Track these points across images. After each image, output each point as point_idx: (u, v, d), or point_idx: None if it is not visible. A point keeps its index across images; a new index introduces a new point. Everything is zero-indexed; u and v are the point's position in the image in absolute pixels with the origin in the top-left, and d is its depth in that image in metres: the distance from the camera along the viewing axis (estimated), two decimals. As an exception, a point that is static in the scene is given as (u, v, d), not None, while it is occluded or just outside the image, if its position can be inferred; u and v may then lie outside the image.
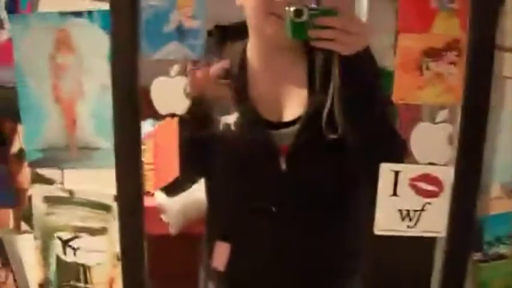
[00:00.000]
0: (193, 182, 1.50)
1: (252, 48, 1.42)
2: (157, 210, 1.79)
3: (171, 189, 1.38)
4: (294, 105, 1.40)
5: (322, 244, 1.42)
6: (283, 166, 1.37)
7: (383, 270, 1.95)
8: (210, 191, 1.52)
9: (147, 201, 1.35)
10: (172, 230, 2.13)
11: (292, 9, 1.18)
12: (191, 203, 1.97)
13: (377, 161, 1.08)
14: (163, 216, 2.11)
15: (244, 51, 1.43)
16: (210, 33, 1.44)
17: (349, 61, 1.21)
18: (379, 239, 1.09)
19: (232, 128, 1.36)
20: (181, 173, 1.10)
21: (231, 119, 1.37)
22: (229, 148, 1.39)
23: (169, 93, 0.99)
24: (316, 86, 1.37)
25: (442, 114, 1.00)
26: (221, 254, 1.46)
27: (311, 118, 1.35)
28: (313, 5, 1.22)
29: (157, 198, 2.03)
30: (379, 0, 2.34)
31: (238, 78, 1.40)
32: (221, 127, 1.37)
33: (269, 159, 1.38)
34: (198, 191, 1.53)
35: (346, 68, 1.23)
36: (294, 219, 1.39)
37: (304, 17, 1.18)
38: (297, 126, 1.37)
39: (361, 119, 1.26)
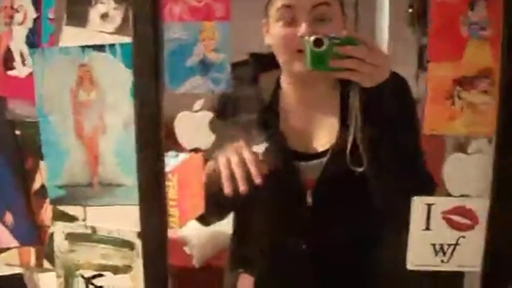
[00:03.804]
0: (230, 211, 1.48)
1: (285, 80, 1.40)
2: (180, 243, 1.76)
3: (207, 219, 1.37)
4: (324, 137, 1.37)
5: (350, 280, 1.38)
6: (309, 200, 1.34)
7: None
8: (236, 222, 1.49)
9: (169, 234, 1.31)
10: (196, 262, 2.09)
11: (311, 39, 1.15)
12: (214, 235, 1.94)
13: (402, 196, 1.04)
14: (186, 248, 2.07)
15: (278, 80, 1.41)
16: (246, 62, 1.43)
17: (371, 93, 1.18)
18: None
19: (260, 158, 1.33)
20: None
21: (259, 148, 1.35)
22: None
23: (193, 128, 0.97)
24: (347, 118, 1.33)
25: (475, 145, 0.97)
26: (245, 286, 1.43)
27: (339, 151, 1.31)
28: (334, 35, 1.17)
29: (183, 230, 1.99)
30: (400, 31, 2.31)
31: (270, 108, 1.39)
32: None
33: (295, 192, 1.35)
34: (221, 224, 1.50)
35: (369, 100, 1.20)
36: (320, 255, 1.35)
37: (324, 47, 1.14)
38: (325, 159, 1.34)
39: (385, 152, 1.22)
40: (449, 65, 0.95)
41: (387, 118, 1.20)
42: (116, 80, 0.99)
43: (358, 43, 1.15)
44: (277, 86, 1.41)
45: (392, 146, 1.21)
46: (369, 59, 1.15)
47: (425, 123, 0.96)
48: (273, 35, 1.33)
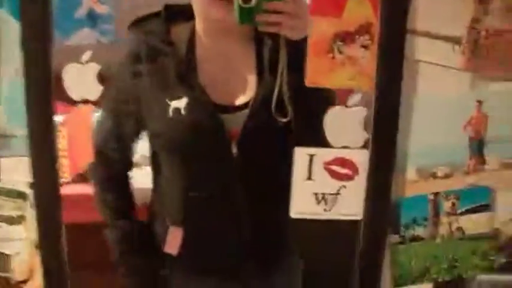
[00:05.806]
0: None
1: (200, 30, 1.41)
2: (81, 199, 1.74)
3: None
4: (244, 88, 1.40)
5: (270, 225, 1.43)
6: (234, 150, 1.37)
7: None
8: (158, 177, 1.51)
9: (70, 189, 1.33)
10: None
11: None
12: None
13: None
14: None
15: (192, 32, 1.42)
16: (157, 14, 1.44)
17: (296, 45, 1.22)
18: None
19: (182, 112, 1.35)
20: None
21: (180, 103, 1.37)
22: (180, 133, 1.38)
23: (81, 80, 0.99)
24: (265, 70, 1.37)
25: (355, 98, 1.01)
26: (174, 239, 1.46)
27: (261, 102, 1.35)
28: None
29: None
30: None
31: (186, 61, 1.39)
32: (171, 112, 1.36)
33: (220, 143, 1.38)
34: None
35: (293, 52, 1.24)
36: (245, 203, 1.40)
37: (253, 2, 1.20)
38: (247, 110, 1.37)
39: (309, 102, 1.27)
40: (330, 20, 0.98)
41: None
42: (5, 32, 0.99)
43: None
44: (192, 38, 1.42)
45: (316, 94, 1.25)
46: (295, 13, 1.21)
47: (308, 75, 1.00)
48: None
